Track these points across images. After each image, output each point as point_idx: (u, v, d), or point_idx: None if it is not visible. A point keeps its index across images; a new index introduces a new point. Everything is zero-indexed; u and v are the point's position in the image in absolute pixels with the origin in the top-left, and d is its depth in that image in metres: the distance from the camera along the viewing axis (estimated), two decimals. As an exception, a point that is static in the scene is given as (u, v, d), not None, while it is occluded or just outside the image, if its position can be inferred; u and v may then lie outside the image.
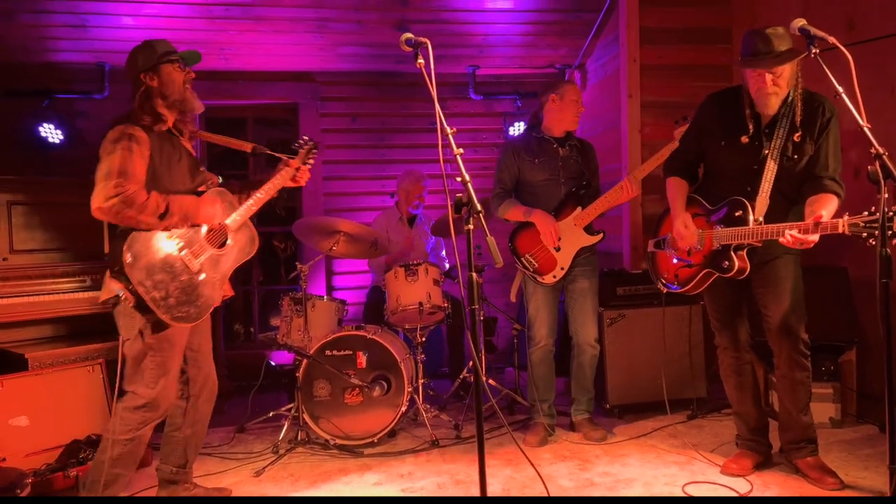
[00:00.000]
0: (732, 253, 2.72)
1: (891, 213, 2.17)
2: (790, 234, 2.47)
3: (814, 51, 2.30)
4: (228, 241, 2.70)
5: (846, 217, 2.32)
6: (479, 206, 1.82)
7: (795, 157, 2.69)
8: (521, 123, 5.33)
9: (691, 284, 2.91)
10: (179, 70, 2.64)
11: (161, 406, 2.59)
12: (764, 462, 2.98)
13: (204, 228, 2.64)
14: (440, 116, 1.96)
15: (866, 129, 2.10)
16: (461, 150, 1.90)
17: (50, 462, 3.16)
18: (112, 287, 2.52)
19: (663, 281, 3.09)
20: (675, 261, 2.99)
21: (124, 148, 2.43)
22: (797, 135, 2.68)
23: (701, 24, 4.64)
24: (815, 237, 2.47)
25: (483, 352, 4.22)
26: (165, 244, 2.52)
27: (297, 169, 2.88)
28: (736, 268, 2.72)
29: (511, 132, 5.38)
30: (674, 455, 3.22)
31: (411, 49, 2.12)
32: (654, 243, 3.15)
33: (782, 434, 2.93)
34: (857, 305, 3.72)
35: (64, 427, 3.34)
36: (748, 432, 3.01)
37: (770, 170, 2.69)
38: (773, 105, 2.67)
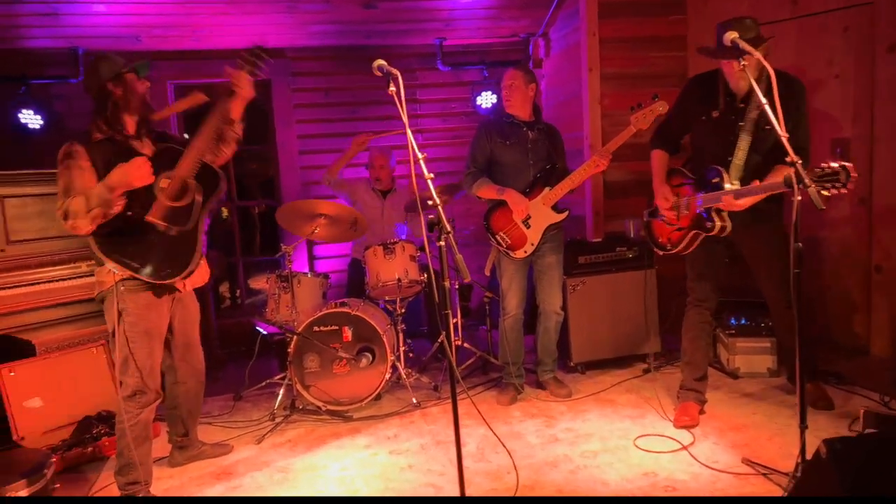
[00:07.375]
0: (714, 214, 3.10)
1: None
2: (723, 198, 2.91)
3: (742, 63, 2.57)
4: (186, 190, 2.76)
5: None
6: (448, 227, 2.10)
7: (767, 127, 2.95)
8: (489, 92, 5.48)
9: (682, 245, 3.30)
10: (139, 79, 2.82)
11: (150, 391, 2.85)
12: (700, 410, 3.41)
13: (159, 185, 2.72)
14: (411, 142, 2.21)
15: (784, 139, 2.39)
16: (432, 176, 2.16)
17: (65, 438, 3.46)
18: (101, 279, 2.75)
19: (659, 245, 3.46)
20: (667, 226, 3.39)
21: (65, 167, 2.67)
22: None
23: (656, -3, 4.83)
24: (743, 201, 2.91)
25: (459, 316, 4.56)
26: (125, 216, 2.67)
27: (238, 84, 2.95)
28: (717, 226, 3.11)
29: (478, 101, 5.53)
30: (629, 409, 3.62)
31: (382, 76, 2.34)
32: (649, 213, 3.52)
33: None
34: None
35: (75, 405, 3.62)
36: (693, 381, 3.42)
37: (744, 140, 3.03)
38: (743, 86, 3.03)
